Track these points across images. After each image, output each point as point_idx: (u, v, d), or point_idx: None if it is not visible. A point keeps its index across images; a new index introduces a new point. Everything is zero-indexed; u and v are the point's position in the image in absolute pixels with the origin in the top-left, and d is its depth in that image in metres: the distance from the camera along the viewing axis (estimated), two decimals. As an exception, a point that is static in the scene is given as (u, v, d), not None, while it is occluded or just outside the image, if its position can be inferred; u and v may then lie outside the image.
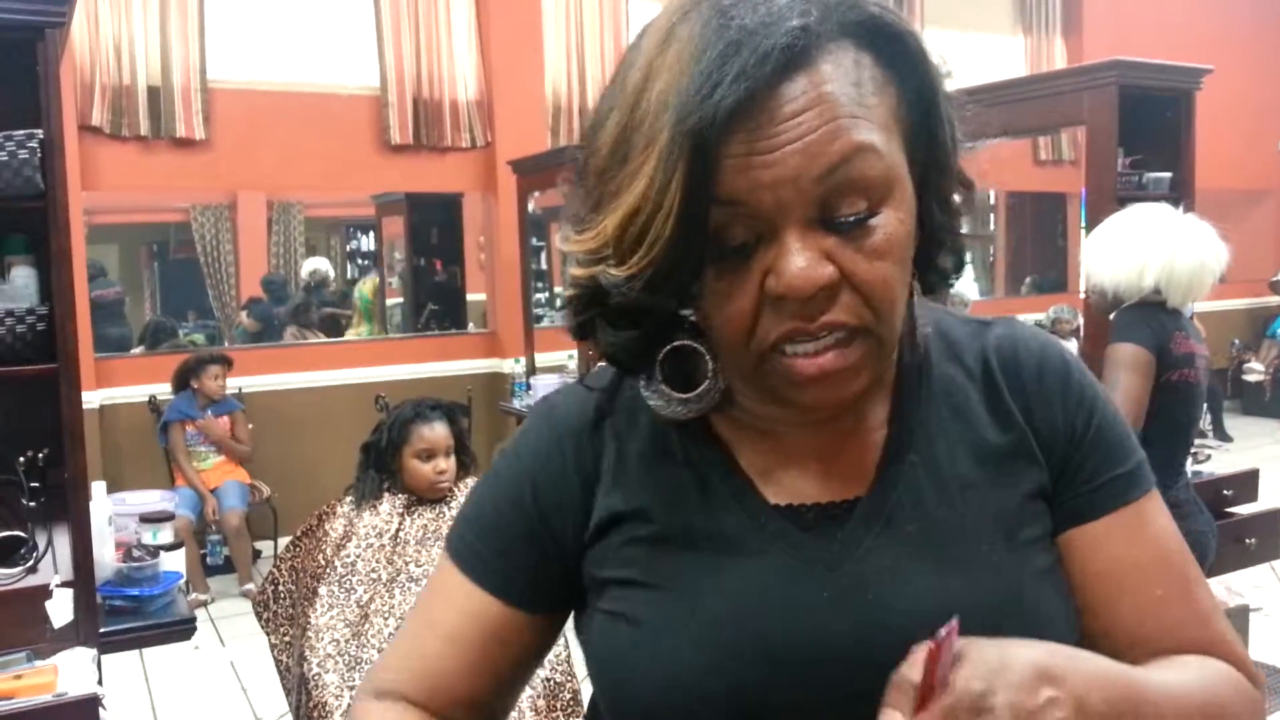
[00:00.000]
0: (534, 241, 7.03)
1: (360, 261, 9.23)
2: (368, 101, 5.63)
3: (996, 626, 0.60)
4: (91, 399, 4.82)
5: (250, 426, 5.08)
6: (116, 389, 5.04)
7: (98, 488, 2.35)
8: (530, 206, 5.81)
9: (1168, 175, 3.50)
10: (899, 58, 0.62)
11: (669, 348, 0.68)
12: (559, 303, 7.16)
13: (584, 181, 0.65)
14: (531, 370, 5.56)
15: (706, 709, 0.66)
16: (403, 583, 2.49)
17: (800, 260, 0.59)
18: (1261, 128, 8.79)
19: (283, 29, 5.51)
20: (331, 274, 8.16)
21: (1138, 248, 2.41)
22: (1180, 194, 3.44)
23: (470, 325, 6.78)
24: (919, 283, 0.70)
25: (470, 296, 6.87)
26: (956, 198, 0.69)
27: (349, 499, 2.64)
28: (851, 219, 0.60)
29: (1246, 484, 3.23)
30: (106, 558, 2.32)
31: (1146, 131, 3.50)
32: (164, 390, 4.96)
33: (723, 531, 0.69)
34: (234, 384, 5.10)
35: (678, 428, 0.72)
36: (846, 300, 0.61)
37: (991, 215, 9.28)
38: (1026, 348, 0.74)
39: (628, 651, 0.70)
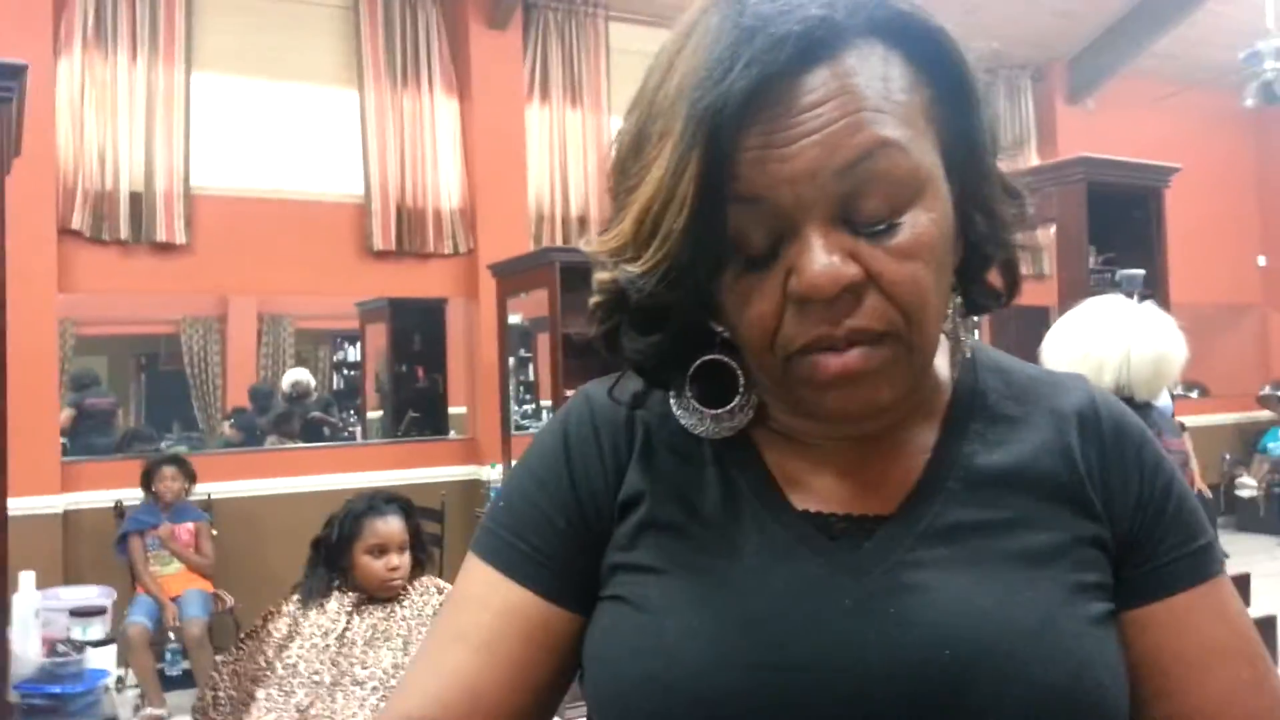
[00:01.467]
0: (521, 353, 7.04)
1: (346, 372, 9.23)
2: (351, 209, 5.69)
3: (1025, 652, 0.59)
4: (55, 503, 4.72)
5: (215, 534, 4.93)
6: (83, 493, 4.92)
7: (25, 578, 2.24)
8: (518, 318, 5.82)
9: (1141, 271, 3.50)
10: (931, 57, 0.60)
11: (700, 362, 0.67)
12: (544, 415, 7.14)
13: (613, 181, 0.65)
14: (509, 476, 5.45)
15: (697, 713, 0.60)
16: (346, 686, 2.36)
17: (823, 258, 0.57)
18: (1242, 242, 8.93)
19: (267, 137, 5.60)
20: (313, 384, 8.12)
21: (1093, 344, 2.36)
22: (1154, 289, 3.43)
23: (452, 433, 6.71)
24: (964, 301, 0.67)
25: (453, 410, 6.81)
26: (1004, 208, 0.65)
27: (295, 597, 2.53)
28: (876, 217, 0.58)
29: (1238, 589, 3.11)
30: (30, 653, 2.20)
31: (1118, 231, 3.53)
32: (132, 495, 4.85)
33: (743, 529, 0.66)
34: (204, 489, 4.98)
35: None
36: (873, 303, 0.58)
37: (976, 330, 9.30)
38: (1105, 404, 0.71)
39: (626, 636, 0.65)
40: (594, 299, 0.66)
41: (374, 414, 7.71)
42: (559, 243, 5.97)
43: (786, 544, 0.65)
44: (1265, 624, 2.91)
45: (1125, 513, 0.67)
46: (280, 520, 5.26)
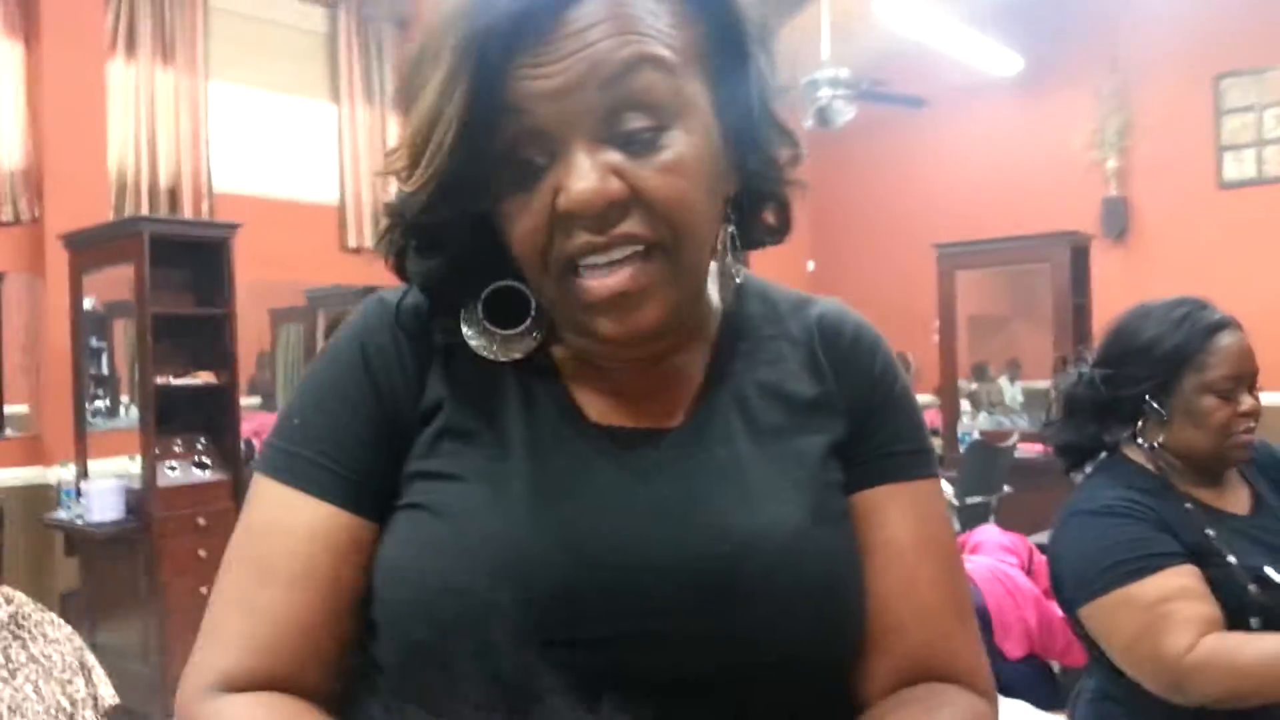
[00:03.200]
0: (94, 341, 6.23)
1: None
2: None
3: (795, 548, 0.65)
4: None
5: None
6: None
7: None
8: (92, 303, 5.16)
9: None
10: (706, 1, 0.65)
11: (493, 287, 0.69)
12: (123, 413, 6.39)
13: (401, 108, 0.66)
14: (83, 476, 4.84)
15: (493, 619, 0.60)
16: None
17: (589, 174, 0.59)
18: (795, 249, 10.21)
19: None
20: None
21: None
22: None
23: (8, 431, 5.81)
24: (740, 236, 0.72)
25: (9, 409, 5.88)
26: (777, 148, 0.70)
27: None
28: (639, 133, 0.60)
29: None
30: None
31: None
32: None
33: (541, 437, 0.68)
34: None
35: None
36: (639, 216, 0.61)
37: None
38: (846, 319, 0.78)
39: (426, 543, 0.64)
40: (383, 223, 0.69)
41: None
42: (145, 213, 5.40)
43: (582, 453, 0.68)
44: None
45: (859, 407, 0.74)
46: None
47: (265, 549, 0.66)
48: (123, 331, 6.87)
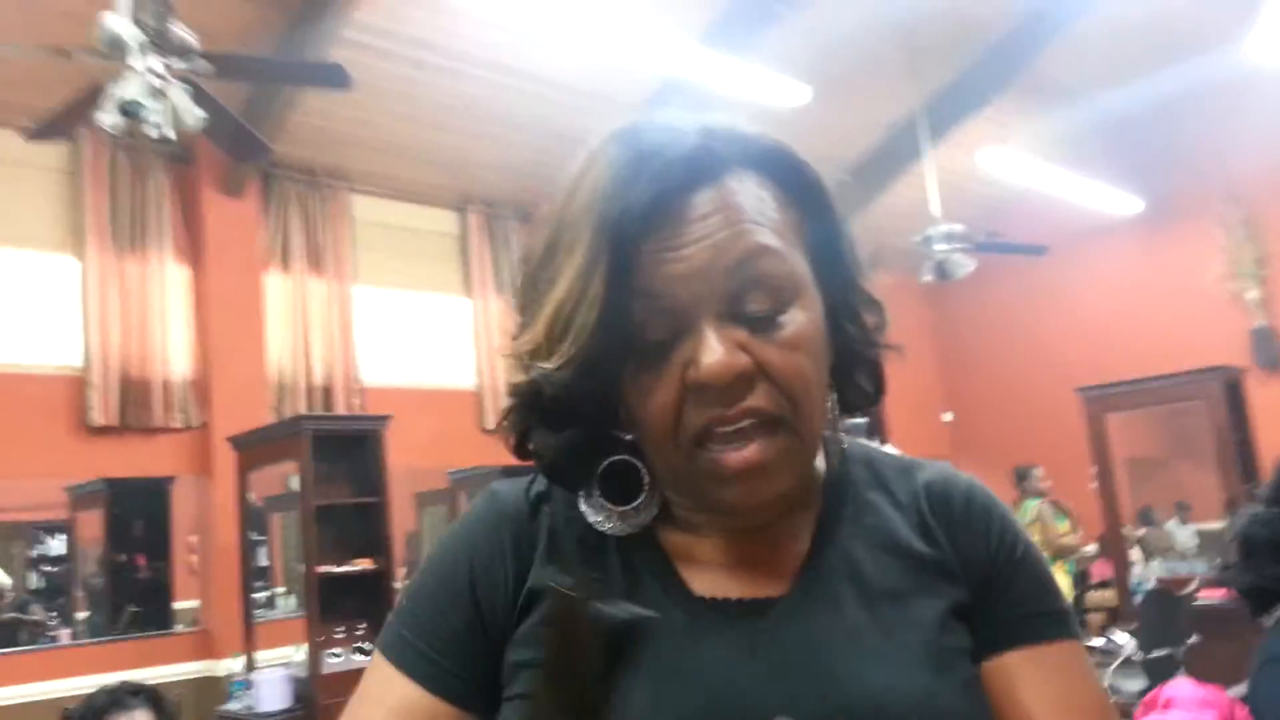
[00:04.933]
0: (254, 536, 6.54)
1: (47, 568, 8.14)
2: (66, 381, 5.23)
3: (922, 714, 0.63)
4: None
5: None
6: None
7: None
8: (251, 497, 5.47)
9: (864, 420, 3.89)
10: (798, 185, 0.70)
11: (608, 462, 0.70)
12: (279, 603, 6.62)
13: (521, 295, 0.70)
14: (252, 667, 5.00)
15: None
16: None
17: (717, 349, 0.63)
18: (929, 401, 10.06)
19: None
20: (8, 583, 7.09)
21: None
22: (879, 441, 3.82)
23: (179, 626, 6.08)
24: (839, 401, 0.74)
25: (178, 605, 6.19)
26: (867, 316, 0.74)
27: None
28: (761, 313, 0.64)
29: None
30: None
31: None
32: None
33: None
34: None
35: None
36: (764, 389, 0.64)
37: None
38: (955, 483, 0.77)
39: None
40: (505, 404, 0.71)
41: (83, 615, 6.83)
42: (304, 410, 5.75)
43: (686, 629, 0.68)
44: None
45: (978, 571, 0.72)
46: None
47: (360, 713, 0.72)
48: (278, 524, 7.22)
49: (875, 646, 0.67)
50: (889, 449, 2.60)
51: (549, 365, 0.65)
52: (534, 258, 0.69)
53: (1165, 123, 8.36)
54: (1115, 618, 6.30)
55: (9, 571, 7.38)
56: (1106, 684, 5.06)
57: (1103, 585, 7.50)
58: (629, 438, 0.69)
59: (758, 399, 0.64)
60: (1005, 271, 8.58)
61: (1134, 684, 4.99)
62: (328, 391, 6.01)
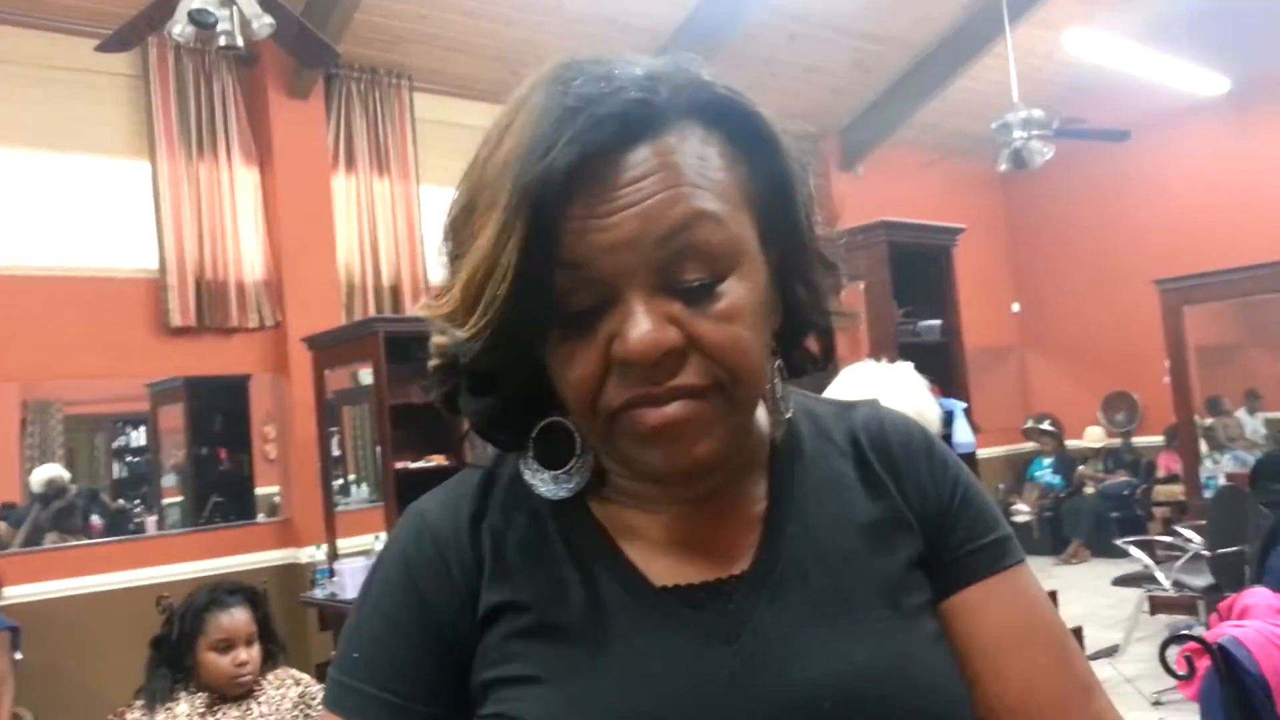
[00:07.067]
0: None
1: (129, 459, 8.51)
2: (144, 284, 5.36)
3: (893, 692, 0.62)
4: None
5: (19, 657, 4.40)
6: None
7: None
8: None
9: (938, 323, 3.85)
10: (749, 138, 0.64)
11: (541, 424, 0.68)
12: (353, 491, 6.87)
13: (445, 248, 0.66)
14: (334, 556, 5.23)
15: None
16: (209, 796, 2.21)
17: (644, 324, 0.58)
18: (999, 291, 9.86)
19: (48, 211, 5.22)
20: (68, 479, 7.35)
21: None
22: (949, 339, 3.79)
23: (260, 516, 6.35)
24: (786, 365, 0.71)
25: (258, 490, 6.45)
26: (821, 278, 0.70)
27: (139, 703, 2.35)
28: (695, 284, 0.60)
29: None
30: None
31: (914, 286, 3.86)
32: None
33: (610, 617, 0.65)
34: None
35: (555, 518, 0.69)
36: (696, 364, 0.60)
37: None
38: (892, 424, 0.76)
39: None
40: (432, 362, 0.68)
41: (170, 500, 7.15)
42: (371, 313, 5.84)
43: (654, 624, 0.65)
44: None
45: (929, 515, 0.71)
46: (82, 622, 4.82)
47: None
48: (349, 418, 7.44)
49: (844, 620, 0.66)
50: (900, 368, 2.53)
51: (461, 335, 0.62)
52: (454, 211, 0.64)
53: (1255, -2, 7.86)
54: (1183, 511, 6.26)
55: (91, 461, 7.70)
56: (1173, 579, 5.07)
57: (1173, 479, 7.43)
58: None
59: (688, 376, 0.60)
60: (1083, 157, 8.26)
61: (1199, 580, 4.99)
62: (395, 291, 6.08)
